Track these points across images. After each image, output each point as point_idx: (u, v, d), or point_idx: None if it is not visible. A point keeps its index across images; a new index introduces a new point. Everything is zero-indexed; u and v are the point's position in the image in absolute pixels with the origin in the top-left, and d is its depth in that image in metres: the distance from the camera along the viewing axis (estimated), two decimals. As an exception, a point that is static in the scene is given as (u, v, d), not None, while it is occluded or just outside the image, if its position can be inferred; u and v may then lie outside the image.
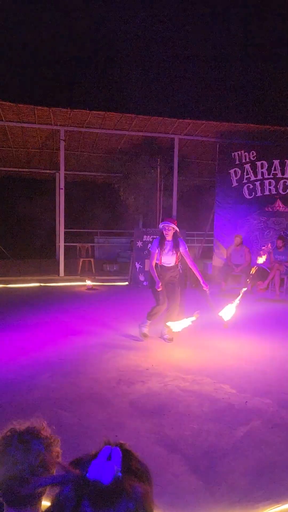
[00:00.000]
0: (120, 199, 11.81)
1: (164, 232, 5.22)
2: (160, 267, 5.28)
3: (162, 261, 5.26)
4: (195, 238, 14.45)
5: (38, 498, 1.20)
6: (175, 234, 5.23)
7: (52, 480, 0.67)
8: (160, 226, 5.36)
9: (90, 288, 9.09)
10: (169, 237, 5.21)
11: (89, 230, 14.93)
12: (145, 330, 5.37)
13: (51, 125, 9.74)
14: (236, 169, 10.07)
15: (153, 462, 2.62)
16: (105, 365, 4.44)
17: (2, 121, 9.47)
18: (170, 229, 5.19)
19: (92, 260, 11.64)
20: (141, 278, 9.59)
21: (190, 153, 11.40)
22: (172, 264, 5.27)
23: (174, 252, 5.22)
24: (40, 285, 9.21)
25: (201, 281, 5.24)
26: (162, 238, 5.26)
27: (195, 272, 5.31)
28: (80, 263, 11.12)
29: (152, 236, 9.64)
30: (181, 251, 5.25)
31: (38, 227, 14.60)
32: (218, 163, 10.23)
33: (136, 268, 9.64)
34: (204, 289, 5.22)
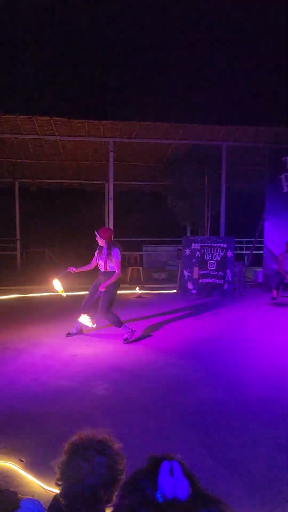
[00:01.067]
0: (168, 208, 11.84)
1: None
2: (99, 271, 5.80)
3: (98, 264, 5.76)
4: (244, 245, 14.14)
5: None
6: (109, 243, 5.59)
7: (128, 507, 0.65)
8: None
9: (139, 296, 9.16)
10: (101, 243, 5.64)
11: (137, 239, 15.10)
12: (127, 333, 5.74)
13: (101, 137, 10.01)
14: (287, 174, 9.77)
15: (206, 477, 2.57)
16: (156, 374, 4.44)
17: (55, 135, 9.88)
18: (97, 236, 5.60)
19: (140, 268, 11.75)
20: (190, 286, 9.52)
21: (238, 159, 11.21)
22: (102, 269, 5.71)
23: (104, 258, 5.63)
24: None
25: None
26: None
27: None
28: (129, 272, 11.25)
29: (200, 244, 9.57)
30: (113, 259, 5.60)
31: (88, 236, 14.98)
32: (268, 169, 9.99)
33: (185, 276, 9.59)
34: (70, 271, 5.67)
